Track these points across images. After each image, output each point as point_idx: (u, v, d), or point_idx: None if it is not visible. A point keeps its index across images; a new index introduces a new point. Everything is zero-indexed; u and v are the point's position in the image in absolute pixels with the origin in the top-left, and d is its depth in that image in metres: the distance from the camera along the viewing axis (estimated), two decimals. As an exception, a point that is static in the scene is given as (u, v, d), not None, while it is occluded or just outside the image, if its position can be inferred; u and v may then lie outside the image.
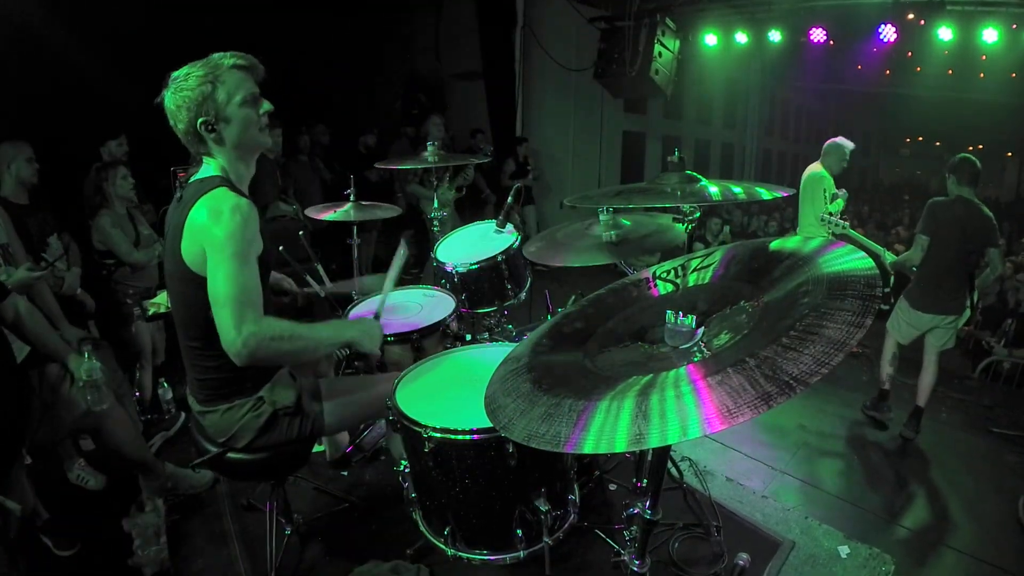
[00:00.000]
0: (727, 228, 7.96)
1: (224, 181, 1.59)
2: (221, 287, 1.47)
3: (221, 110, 1.56)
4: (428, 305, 2.49)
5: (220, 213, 1.49)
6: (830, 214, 3.89)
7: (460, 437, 1.54)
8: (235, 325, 1.45)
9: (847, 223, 3.85)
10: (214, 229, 1.49)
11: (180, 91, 1.53)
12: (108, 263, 3.18)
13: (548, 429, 0.96)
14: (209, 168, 1.63)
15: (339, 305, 2.59)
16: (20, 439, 1.92)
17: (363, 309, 2.51)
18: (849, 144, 4.46)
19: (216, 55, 1.57)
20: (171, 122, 1.59)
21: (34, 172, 2.78)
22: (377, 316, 1.95)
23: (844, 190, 4.41)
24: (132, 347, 3.25)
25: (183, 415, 3.08)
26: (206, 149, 1.62)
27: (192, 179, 1.65)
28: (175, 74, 1.55)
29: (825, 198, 4.40)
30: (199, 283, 1.53)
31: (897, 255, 3.83)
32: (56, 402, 2.05)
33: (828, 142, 4.51)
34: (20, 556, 1.79)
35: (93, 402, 2.08)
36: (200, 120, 1.55)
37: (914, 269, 3.52)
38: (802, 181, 4.55)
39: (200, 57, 1.57)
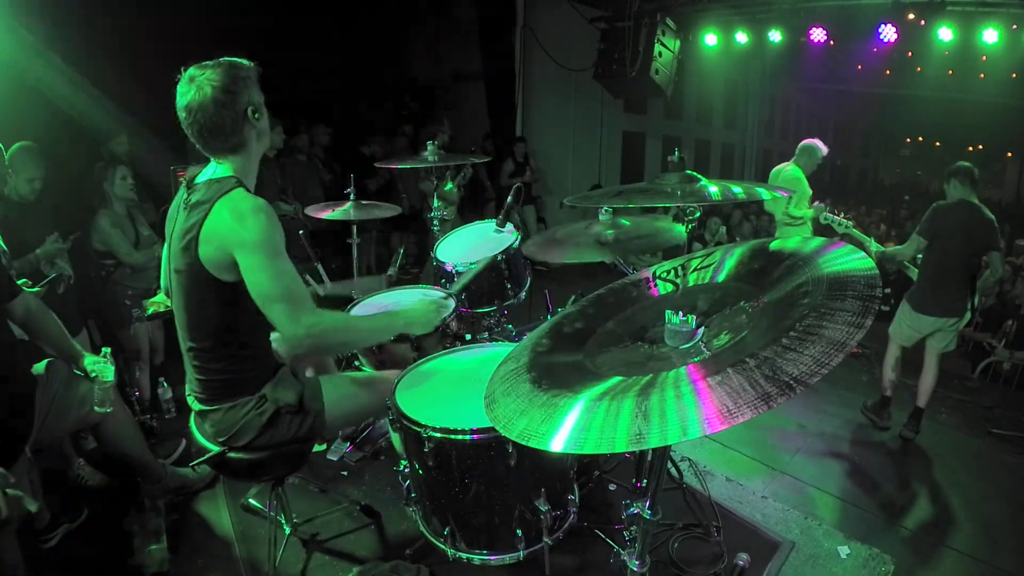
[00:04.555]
0: (722, 228, 8.00)
1: (239, 183, 1.59)
2: (267, 287, 1.50)
3: (257, 104, 1.60)
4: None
5: (245, 215, 1.50)
6: (833, 213, 3.89)
7: (460, 437, 1.54)
8: (295, 318, 1.51)
9: (850, 222, 3.85)
10: (243, 232, 1.49)
11: (224, 78, 1.51)
12: (107, 264, 3.18)
13: (548, 429, 0.96)
14: (222, 168, 1.61)
15: (339, 305, 2.59)
16: (26, 435, 1.92)
17: (362, 310, 2.51)
18: (823, 149, 4.47)
19: (225, 59, 1.57)
20: (204, 112, 1.50)
21: (32, 191, 2.77)
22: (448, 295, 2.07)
23: (820, 203, 4.33)
24: (130, 347, 3.25)
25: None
26: (236, 141, 1.58)
27: (201, 179, 1.64)
28: (195, 70, 1.52)
29: (794, 199, 4.39)
30: (216, 286, 1.54)
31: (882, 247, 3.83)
32: (64, 398, 2.05)
33: (803, 143, 4.51)
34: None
35: (100, 402, 2.08)
36: (250, 107, 1.56)
37: (907, 266, 3.52)
38: (776, 180, 4.53)
39: (202, 58, 1.55)
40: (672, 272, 1.38)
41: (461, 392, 1.76)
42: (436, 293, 2.61)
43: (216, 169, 1.63)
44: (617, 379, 1.03)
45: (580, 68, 7.35)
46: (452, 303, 2.33)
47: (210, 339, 1.64)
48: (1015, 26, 5.18)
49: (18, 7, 3.54)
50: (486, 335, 2.69)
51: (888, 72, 10.92)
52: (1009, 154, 19.01)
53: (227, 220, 1.50)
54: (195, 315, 1.64)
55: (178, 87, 1.53)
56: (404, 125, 6.79)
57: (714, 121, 12.83)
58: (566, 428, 0.94)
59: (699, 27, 6.81)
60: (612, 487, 2.51)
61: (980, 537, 2.68)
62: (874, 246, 3.78)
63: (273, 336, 1.79)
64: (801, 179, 4.40)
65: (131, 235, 3.19)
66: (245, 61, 1.60)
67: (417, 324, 1.84)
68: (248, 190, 1.60)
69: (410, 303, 1.91)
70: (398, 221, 5.33)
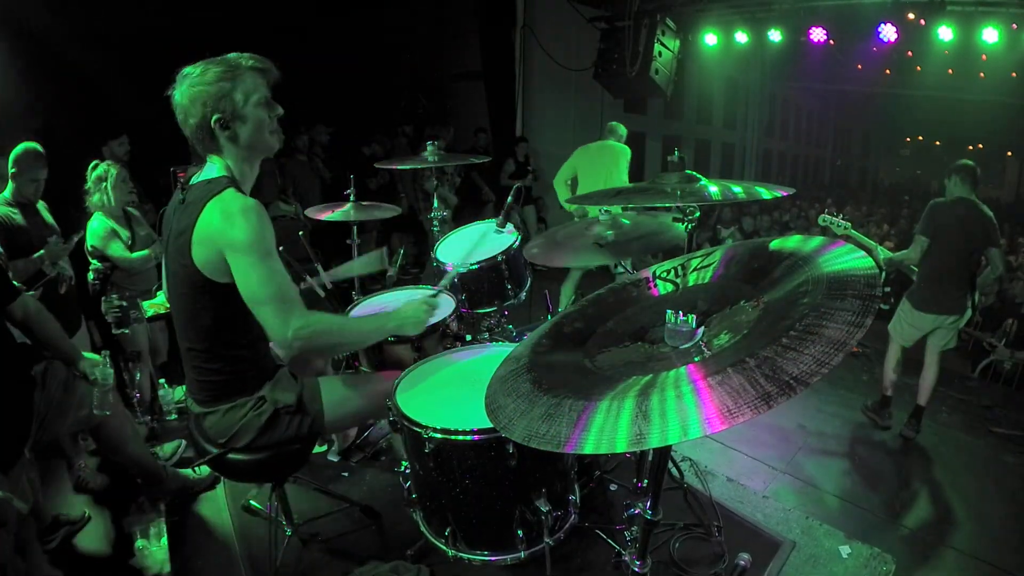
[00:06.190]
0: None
1: (231, 182, 1.57)
2: (257, 288, 1.48)
3: (238, 109, 1.56)
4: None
5: (234, 216, 1.48)
6: (833, 215, 3.89)
7: (460, 437, 1.53)
8: (284, 321, 1.49)
9: (849, 223, 3.85)
10: (233, 233, 1.47)
11: (197, 85, 1.51)
12: (104, 265, 3.17)
13: (548, 429, 0.96)
14: (214, 168, 1.61)
15: (340, 305, 2.59)
16: (24, 436, 1.92)
17: (363, 310, 2.51)
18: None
19: (233, 55, 1.57)
20: (180, 117, 1.55)
21: (35, 191, 2.77)
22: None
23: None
24: (129, 348, 3.24)
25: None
26: (215, 147, 1.59)
27: (195, 179, 1.63)
28: (188, 69, 1.53)
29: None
30: (211, 287, 1.53)
31: (890, 252, 3.83)
32: (63, 400, 2.05)
33: (611, 123, 4.93)
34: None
35: (99, 405, 2.07)
36: (216, 117, 1.53)
37: (913, 268, 3.52)
38: (607, 151, 4.78)
39: (201, 57, 1.55)
40: (672, 272, 1.38)
41: (461, 392, 1.76)
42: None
43: (208, 168, 1.63)
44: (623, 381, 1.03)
45: (580, 68, 7.35)
46: (443, 301, 2.31)
47: (207, 340, 1.64)
48: (1015, 26, 5.18)
49: (20, 7, 3.55)
50: (486, 335, 2.69)
51: (888, 72, 10.93)
52: (1009, 153, 19.01)
53: (217, 221, 1.49)
54: (192, 316, 1.63)
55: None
56: (404, 125, 6.79)
57: (714, 121, 12.85)
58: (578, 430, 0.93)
59: (699, 27, 6.81)
60: (613, 487, 2.50)
61: (981, 536, 2.68)
62: (883, 253, 3.77)
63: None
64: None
65: (125, 237, 3.18)
66: (245, 60, 1.57)
67: (409, 325, 1.80)
68: (241, 190, 1.58)
69: (402, 303, 1.87)
70: (398, 221, 5.34)
